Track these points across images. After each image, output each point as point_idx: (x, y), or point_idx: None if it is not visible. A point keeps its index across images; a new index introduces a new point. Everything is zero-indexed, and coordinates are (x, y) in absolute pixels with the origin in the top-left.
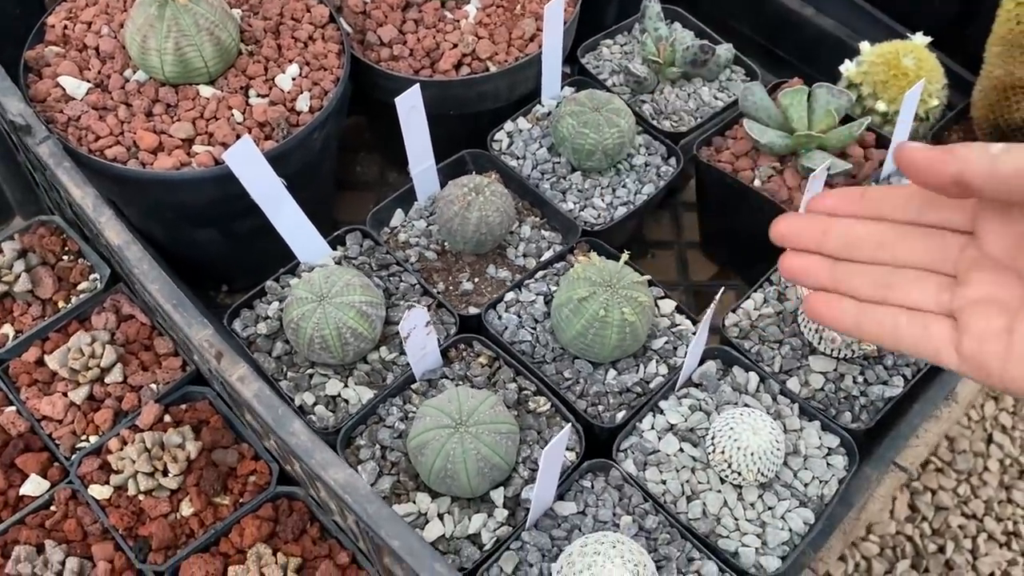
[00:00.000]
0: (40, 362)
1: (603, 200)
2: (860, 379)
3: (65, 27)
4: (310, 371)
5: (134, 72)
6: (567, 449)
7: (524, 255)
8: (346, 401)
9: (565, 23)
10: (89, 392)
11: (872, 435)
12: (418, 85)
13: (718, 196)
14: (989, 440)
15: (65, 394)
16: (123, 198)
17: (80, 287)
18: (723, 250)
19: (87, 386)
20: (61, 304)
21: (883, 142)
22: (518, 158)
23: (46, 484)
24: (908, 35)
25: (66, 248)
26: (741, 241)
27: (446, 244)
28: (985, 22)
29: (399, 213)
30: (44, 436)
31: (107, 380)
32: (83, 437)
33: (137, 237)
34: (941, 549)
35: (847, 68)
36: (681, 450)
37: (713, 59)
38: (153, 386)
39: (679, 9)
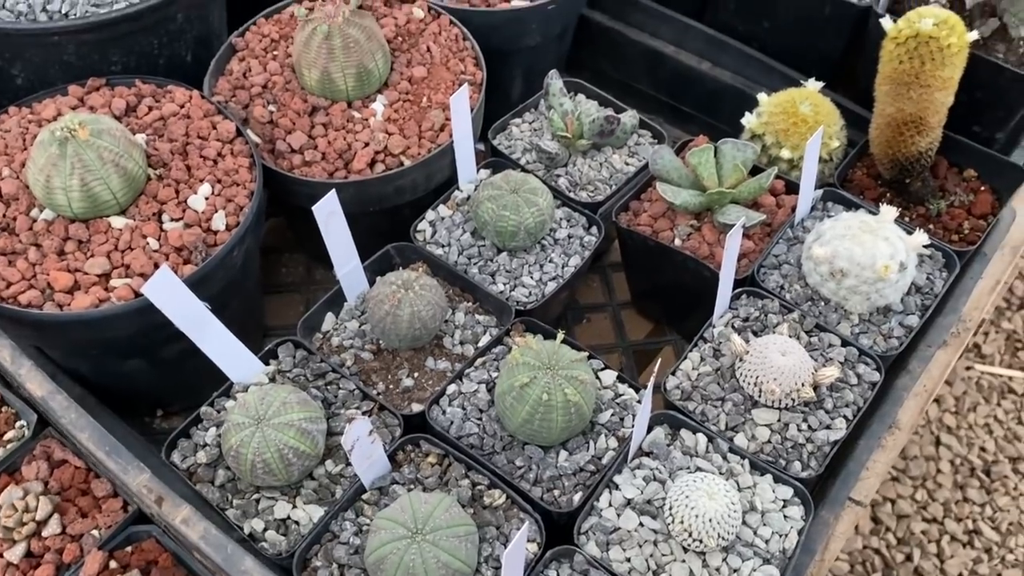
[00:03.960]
0: None
1: (532, 278)
2: (804, 426)
3: None
4: (256, 496)
5: (41, 211)
6: (528, 541)
7: (461, 343)
8: (296, 523)
9: (472, 110)
10: (26, 549)
11: (823, 477)
12: (334, 190)
13: (642, 258)
14: (937, 443)
15: (0, 555)
16: (43, 341)
17: (6, 437)
18: (655, 307)
19: (23, 543)
20: None
21: (792, 188)
22: (443, 246)
23: None
24: (801, 80)
25: None
26: (671, 297)
27: (381, 342)
28: (869, 59)
29: (330, 317)
30: None
31: (44, 533)
32: None
33: (62, 378)
34: (908, 557)
35: (748, 120)
36: (641, 524)
37: (619, 127)
38: (95, 532)
39: (580, 81)
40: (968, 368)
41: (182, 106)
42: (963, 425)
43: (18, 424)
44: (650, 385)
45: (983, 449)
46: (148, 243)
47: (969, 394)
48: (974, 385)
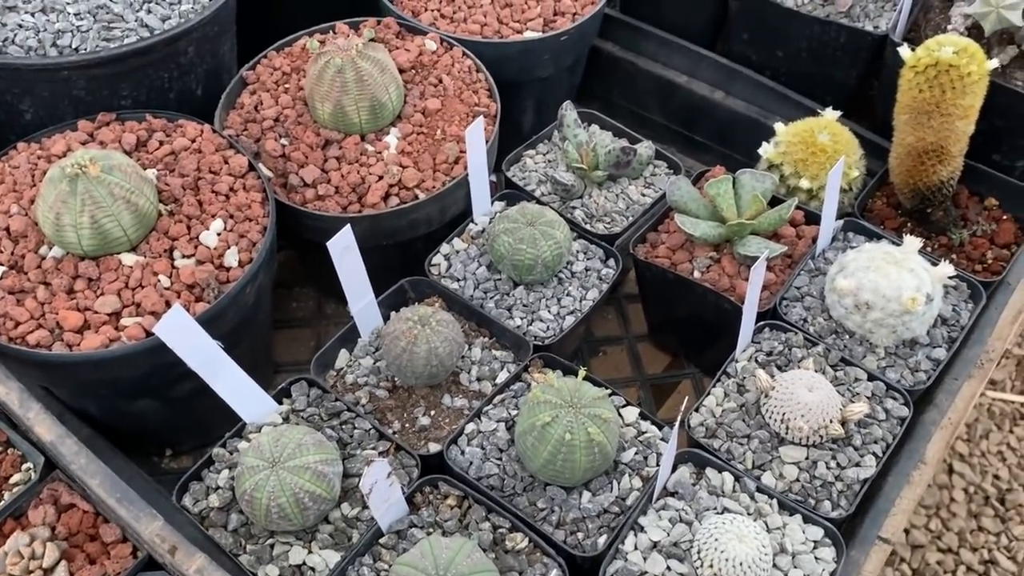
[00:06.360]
0: None
1: (550, 312)
2: (833, 464)
3: None
4: (270, 541)
5: (50, 248)
6: None
7: (478, 379)
8: (312, 569)
9: (487, 142)
10: None
11: (852, 515)
12: (349, 225)
13: (660, 290)
14: (950, 471)
15: None
16: (52, 382)
17: (12, 480)
18: (672, 340)
19: None
20: None
21: (812, 218)
22: (458, 280)
23: None
24: (818, 110)
25: None
26: (689, 330)
27: (396, 379)
28: (886, 87)
29: (344, 353)
30: None
31: None
32: None
33: (69, 418)
34: None
35: (765, 150)
36: (668, 568)
37: (635, 158)
38: None
39: (594, 112)
40: (980, 395)
41: (193, 140)
42: (976, 453)
43: (24, 467)
44: (676, 424)
45: (997, 477)
46: (159, 281)
47: (981, 421)
48: (986, 412)
